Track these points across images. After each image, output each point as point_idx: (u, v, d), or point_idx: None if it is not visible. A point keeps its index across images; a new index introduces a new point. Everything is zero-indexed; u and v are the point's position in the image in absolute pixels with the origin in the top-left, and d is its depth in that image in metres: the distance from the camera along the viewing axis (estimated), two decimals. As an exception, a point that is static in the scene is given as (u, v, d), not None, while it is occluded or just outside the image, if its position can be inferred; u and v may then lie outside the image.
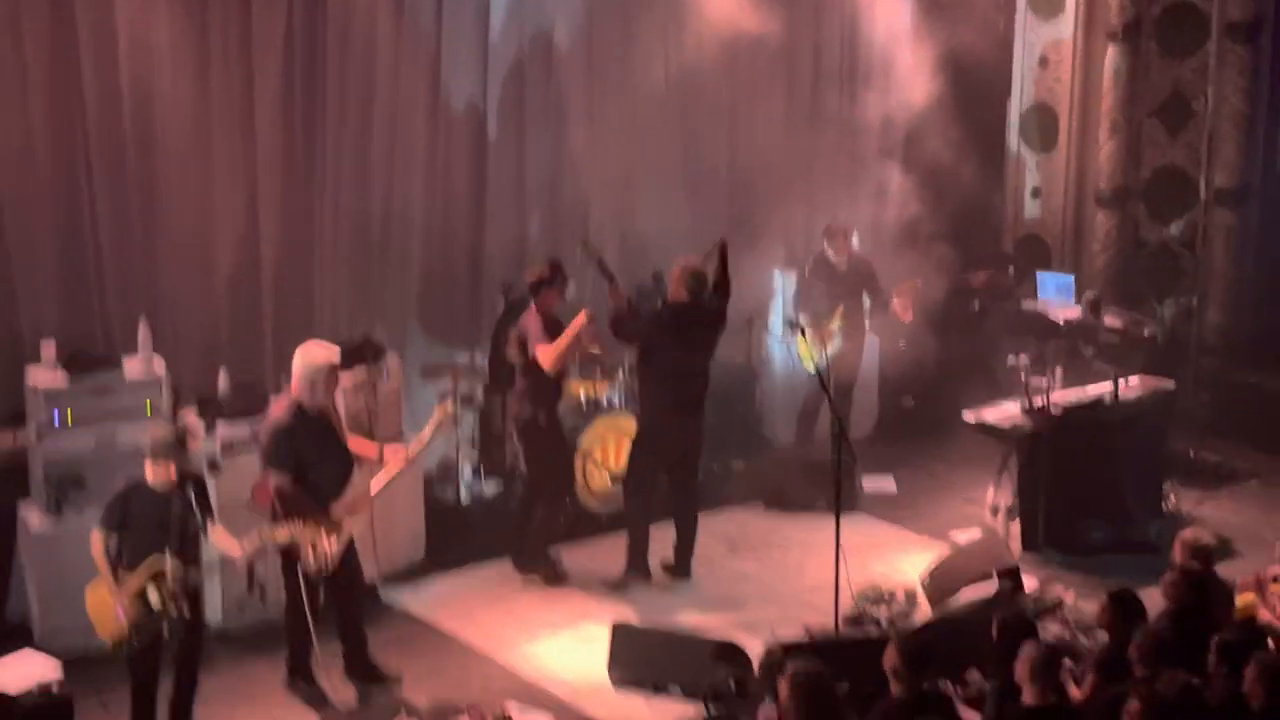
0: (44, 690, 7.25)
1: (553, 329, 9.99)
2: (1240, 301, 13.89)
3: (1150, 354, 12.60)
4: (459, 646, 9.49)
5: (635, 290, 12.61)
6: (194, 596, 7.80)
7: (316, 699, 8.66)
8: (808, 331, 10.48)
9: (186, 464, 7.67)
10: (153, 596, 7.60)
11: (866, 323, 12.57)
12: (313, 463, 8.45)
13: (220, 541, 7.80)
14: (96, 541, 7.69)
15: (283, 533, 8.11)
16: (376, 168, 11.79)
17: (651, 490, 10.40)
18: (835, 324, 12.10)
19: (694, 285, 10.09)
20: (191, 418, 7.73)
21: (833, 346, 11.93)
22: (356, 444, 8.84)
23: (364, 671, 8.86)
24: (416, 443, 8.99)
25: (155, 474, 7.64)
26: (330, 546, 8.36)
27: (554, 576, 10.28)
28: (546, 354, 9.90)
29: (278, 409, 8.66)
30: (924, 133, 13.57)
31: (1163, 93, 13.99)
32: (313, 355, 8.56)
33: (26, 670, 7.41)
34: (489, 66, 12.26)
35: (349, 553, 8.65)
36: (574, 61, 12.68)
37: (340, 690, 8.74)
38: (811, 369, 11.24)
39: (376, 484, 8.73)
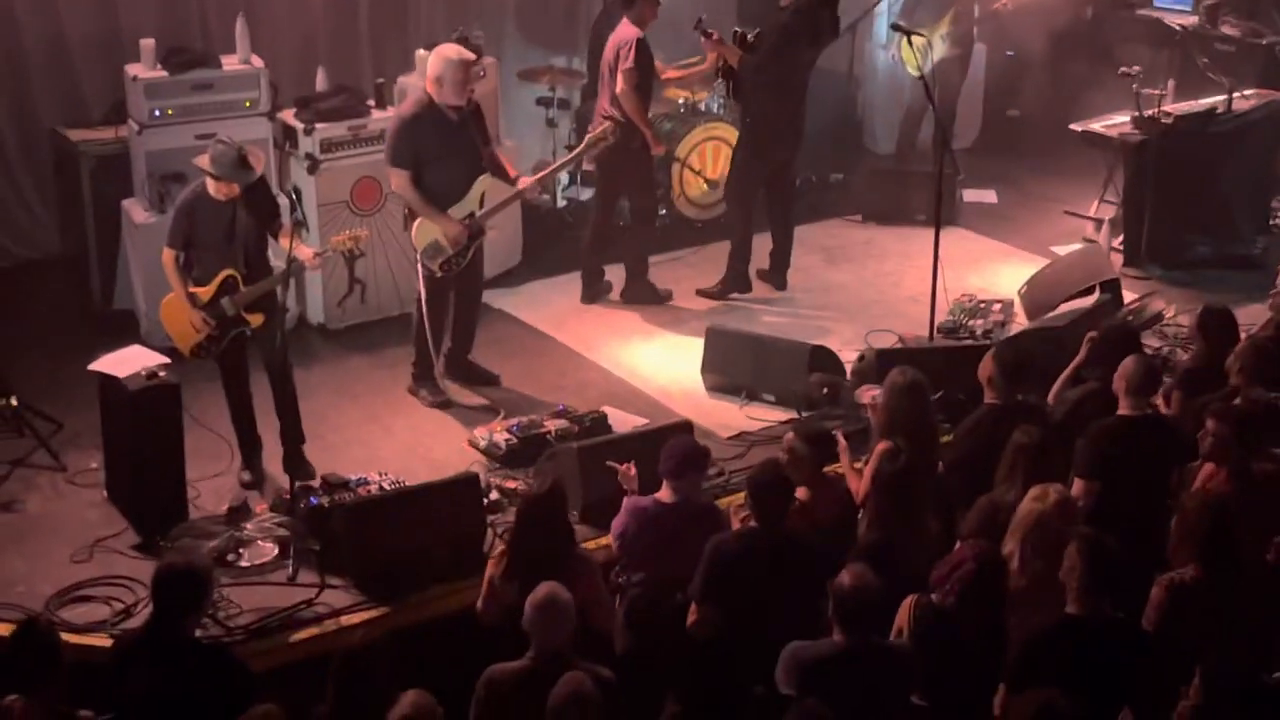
0: (150, 376, 7.40)
1: (648, 52, 9.71)
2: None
3: (1268, 65, 12.25)
4: (556, 348, 9.58)
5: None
6: (269, 305, 7.80)
7: (434, 400, 8.77)
8: (913, 36, 10.19)
9: (248, 180, 7.61)
10: (225, 305, 7.69)
11: (975, 30, 12.21)
12: (435, 158, 8.40)
13: (289, 248, 7.73)
14: (168, 258, 7.73)
15: (344, 237, 8.06)
16: None
17: (754, 200, 10.28)
18: (943, 29, 11.77)
19: None
20: (256, 153, 7.64)
21: (939, 51, 11.66)
22: (497, 157, 8.77)
23: (466, 371, 8.97)
24: (547, 170, 9.04)
25: (217, 189, 7.58)
26: (455, 247, 8.41)
27: (657, 298, 10.20)
28: (627, 94, 9.64)
29: (404, 106, 8.63)
30: None
31: None
32: (447, 50, 8.49)
33: (134, 361, 7.56)
34: None
35: (477, 255, 8.67)
36: None
37: (450, 390, 8.85)
38: (915, 74, 10.99)
39: (497, 197, 8.67)
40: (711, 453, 7.22)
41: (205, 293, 7.70)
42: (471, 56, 8.60)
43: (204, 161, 7.61)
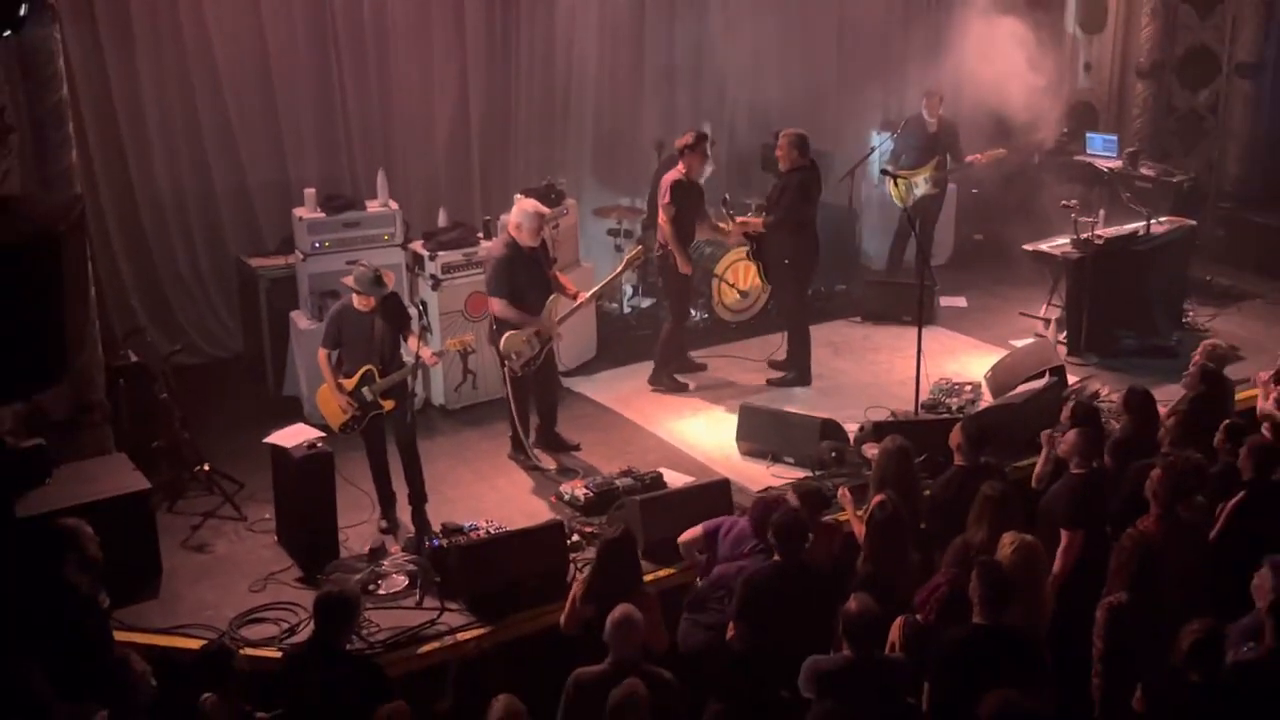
0: (310, 447, 7.45)
1: (686, 192, 9.68)
2: (1254, 156, 13.39)
3: (1177, 198, 12.22)
4: (624, 423, 9.55)
5: (760, 147, 12.41)
6: (400, 392, 7.83)
7: (527, 464, 8.76)
8: (899, 178, 10.18)
9: (382, 294, 7.69)
10: (366, 393, 7.74)
11: (949, 176, 12.18)
12: (523, 288, 8.45)
13: (416, 348, 7.80)
14: (321, 356, 7.81)
15: (456, 341, 8.12)
16: (559, 49, 11.64)
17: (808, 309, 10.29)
18: (926, 174, 11.77)
19: (803, 146, 9.80)
20: (389, 274, 7.74)
21: (922, 190, 11.66)
22: (559, 279, 8.81)
23: (553, 441, 8.98)
24: (599, 285, 9.10)
25: (360, 302, 7.66)
26: (533, 351, 8.44)
27: (676, 387, 10.10)
28: (664, 225, 9.69)
29: (495, 247, 8.67)
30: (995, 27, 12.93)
31: (1196, -18, 13.29)
32: (525, 204, 8.54)
33: (298, 435, 7.62)
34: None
35: (549, 355, 8.70)
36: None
37: (540, 457, 8.84)
38: (899, 205, 11.04)
39: (563, 309, 8.73)
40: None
41: (350, 383, 7.76)
42: (545, 210, 8.66)
43: (349, 280, 7.71)
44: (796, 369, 10.19)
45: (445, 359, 8.38)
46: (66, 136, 7.77)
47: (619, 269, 9.32)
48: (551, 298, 8.61)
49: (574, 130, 11.95)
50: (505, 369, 8.57)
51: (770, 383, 10.16)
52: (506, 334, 8.46)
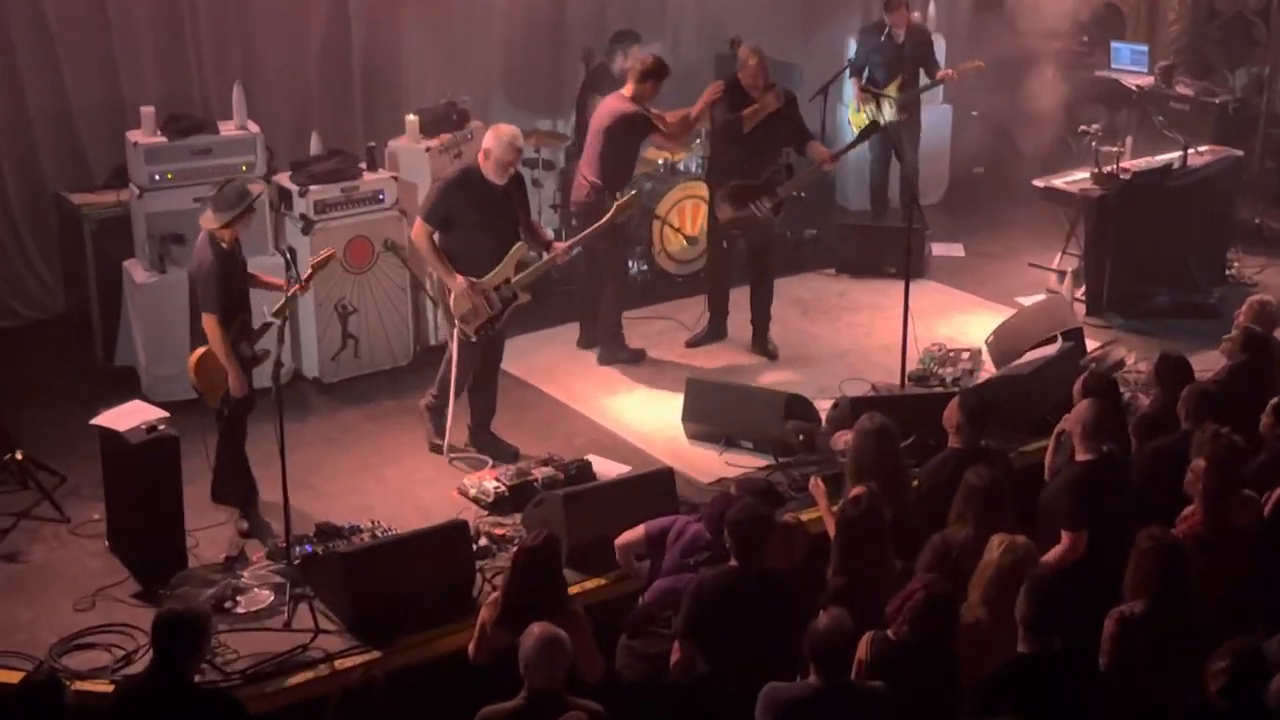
0: (150, 430, 7.39)
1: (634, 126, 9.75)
2: (1315, 72, 13.49)
3: (1221, 122, 12.35)
4: (544, 399, 9.56)
5: (714, 57, 12.40)
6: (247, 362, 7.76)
7: (445, 454, 8.70)
8: (880, 98, 10.19)
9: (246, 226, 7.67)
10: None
11: (920, 97, 12.18)
12: (471, 224, 8.39)
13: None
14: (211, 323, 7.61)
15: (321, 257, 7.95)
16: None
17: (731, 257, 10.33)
18: (890, 96, 11.79)
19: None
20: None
21: (887, 116, 11.67)
22: (534, 227, 8.78)
23: (486, 444, 8.82)
24: (582, 237, 9.08)
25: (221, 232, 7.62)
26: (492, 310, 8.43)
27: (633, 359, 10.12)
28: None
29: (452, 168, 8.69)
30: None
31: None
32: (503, 131, 8.44)
33: (135, 415, 7.55)
34: None
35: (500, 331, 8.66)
36: None
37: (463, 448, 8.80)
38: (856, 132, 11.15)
39: (530, 263, 8.71)
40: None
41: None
42: (523, 144, 8.65)
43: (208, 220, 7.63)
44: (711, 320, 10.27)
45: (320, 318, 8.28)
46: None
47: (608, 215, 9.16)
48: (516, 246, 8.54)
49: (479, 35, 11.87)
50: (454, 330, 8.51)
51: (688, 344, 10.24)
52: (454, 291, 8.38)
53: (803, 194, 10.48)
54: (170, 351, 8.70)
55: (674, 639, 6.32)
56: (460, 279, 8.33)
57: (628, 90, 9.77)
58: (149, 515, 7.44)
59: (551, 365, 10.00)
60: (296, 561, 7.35)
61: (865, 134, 10.56)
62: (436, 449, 8.74)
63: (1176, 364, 7.91)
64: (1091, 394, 7.43)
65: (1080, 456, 7.02)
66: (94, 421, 7.63)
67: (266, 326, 7.67)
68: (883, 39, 11.87)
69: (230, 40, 10.75)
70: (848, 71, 12.16)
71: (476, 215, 8.40)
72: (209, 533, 7.77)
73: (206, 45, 10.69)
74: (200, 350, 7.68)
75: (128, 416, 7.54)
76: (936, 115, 12.96)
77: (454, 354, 8.59)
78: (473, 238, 8.42)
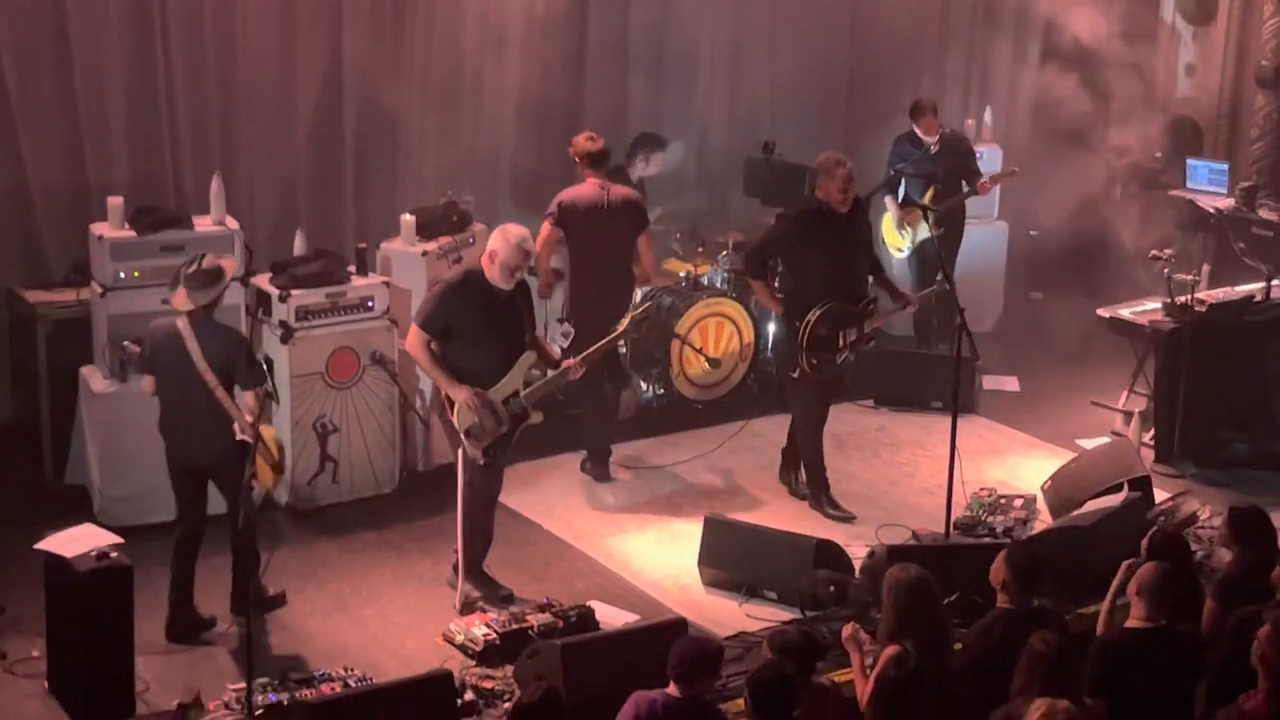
0: (101, 557, 7.38)
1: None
2: None
3: (1308, 251, 12.41)
4: (543, 536, 9.56)
5: (745, 161, 12.53)
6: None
7: (494, 597, 8.61)
8: (894, 214, 10.26)
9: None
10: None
11: (964, 208, 12.34)
12: (475, 333, 8.42)
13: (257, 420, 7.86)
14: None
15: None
16: (469, 16, 11.73)
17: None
18: (929, 205, 11.90)
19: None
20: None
21: (920, 231, 11.79)
22: (541, 343, 8.86)
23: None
24: (594, 351, 9.03)
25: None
26: (498, 427, 8.43)
27: (604, 477, 10.21)
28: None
29: (453, 273, 8.79)
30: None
31: (1337, -40, 13.62)
32: (511, 233, 8.45)
33: (85, 540, 7.55)
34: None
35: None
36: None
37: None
38: (897, 254, 11.20)
39: (536, 379, 8.70)
40: (725, 653, 7.03)
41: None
42: (533, 248, 8.73)
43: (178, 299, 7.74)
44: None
45: (298, 439, 8.29)
46: None
47: (623, 326, 9.23)
48: (525, 356, 8.57)
49: (487, 129, 12.03)
50: (463, 454, 8.49)
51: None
52: (458, 405, 8.39)
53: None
54: (127, 470, 8.74)
55: None
56: (464, 389, 8.32)
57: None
58: (95, 653, 7.40)
59: (552, 498, 10.01)
60: (258, 713, 7.30)
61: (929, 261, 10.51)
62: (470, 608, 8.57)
63: (1255, 519, 7.87)
64: (1156, 554, 7.43)
65: (1131, 622, 6.99)
66: (39, 546, 7.62)
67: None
68: (918, 149, 12.06)
69: (210, 125, 10.85)
70: (884, 185, 12.31)
71: (480, 323, 8.44)
72: (161, 675, 7.72)
73: (184, 129, 10.78)
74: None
75: (77, 542, 7.54)
76: (991, 234, 13.10)
77: (460, 480, 8.52)
78: (476, 348, 8.45)
